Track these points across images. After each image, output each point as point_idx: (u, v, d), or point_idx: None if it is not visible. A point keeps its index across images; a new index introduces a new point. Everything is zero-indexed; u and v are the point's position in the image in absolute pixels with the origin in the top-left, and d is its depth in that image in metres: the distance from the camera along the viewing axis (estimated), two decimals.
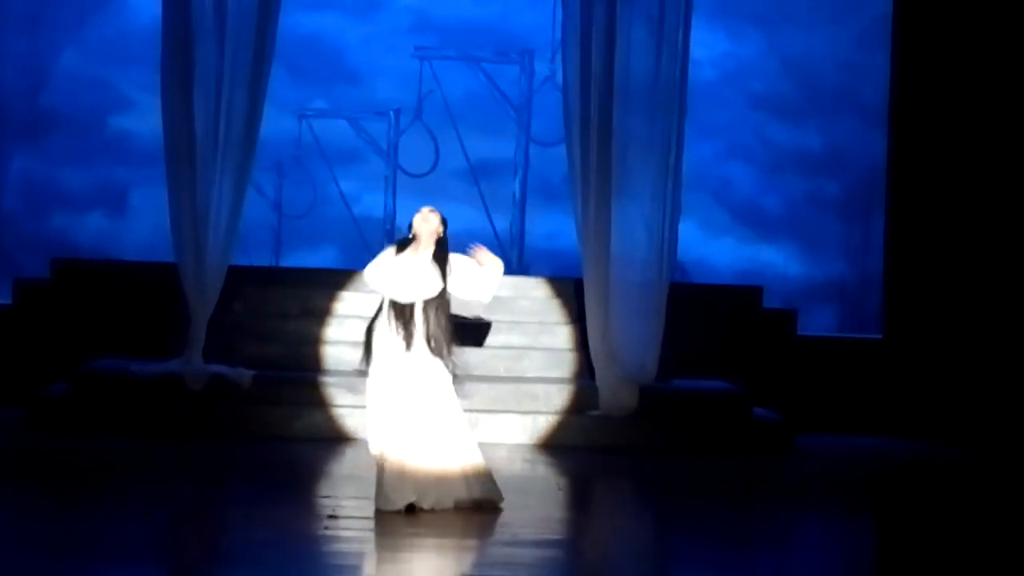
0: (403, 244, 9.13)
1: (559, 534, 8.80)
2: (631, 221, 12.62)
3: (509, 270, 13.81)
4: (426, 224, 9.09)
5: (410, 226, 9.16)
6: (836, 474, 11.57)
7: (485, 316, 11.02)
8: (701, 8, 14.27)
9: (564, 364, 12.79)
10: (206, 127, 12.13)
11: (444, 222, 9.18)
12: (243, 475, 10.46)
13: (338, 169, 14.56)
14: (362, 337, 9.26)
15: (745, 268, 14.48)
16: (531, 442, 11.91)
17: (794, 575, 8.05)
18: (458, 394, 9.19)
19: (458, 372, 9.23)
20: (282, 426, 11.86)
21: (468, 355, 12.47)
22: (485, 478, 9.14)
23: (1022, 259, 13.70)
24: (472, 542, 8.31)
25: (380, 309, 9.17)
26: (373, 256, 9.14)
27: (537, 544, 8.36)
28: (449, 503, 8.97)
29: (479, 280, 9.22)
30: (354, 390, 12.07)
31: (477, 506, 9.03)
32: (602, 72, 12.35)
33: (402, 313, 9.03)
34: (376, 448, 9.00)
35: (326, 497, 9.40)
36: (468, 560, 7.85)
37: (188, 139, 12.11)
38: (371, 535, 8.39)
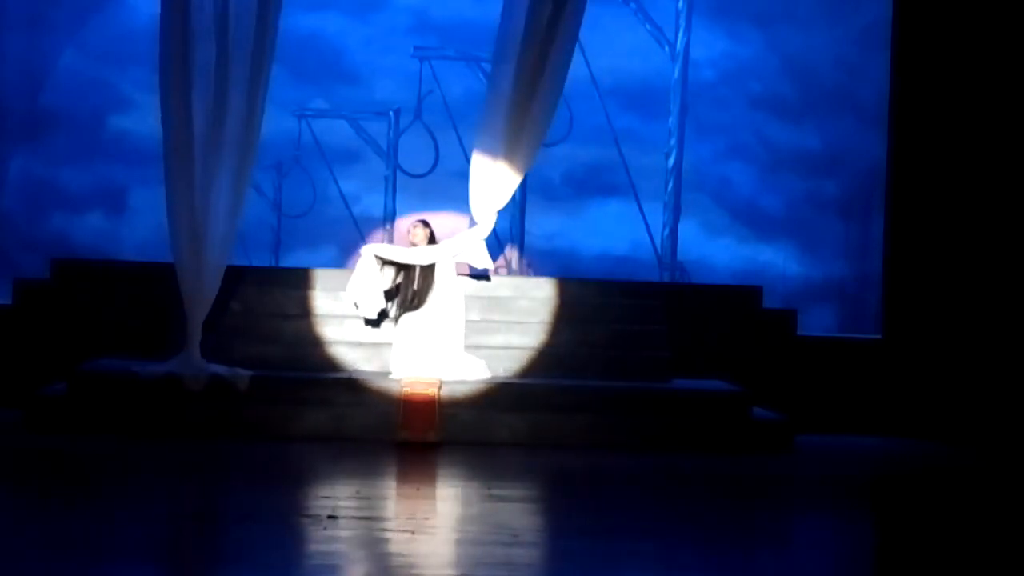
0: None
1: (558, 534, 8.79)
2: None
3: (509, 270, 13.85)
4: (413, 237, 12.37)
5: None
6: (836, 474, 11.57)
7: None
8: (701, 8, 14.28)
9: (564, 364, 12.77)
10: (205, 127, 12.10)
11: (429, 230, 12.44)
12: (242, 475, 10.46)
13: (338, 169, 14.55)
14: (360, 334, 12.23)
15: (745, 268, 14.48)
16: (531, 442, 11.90)
17: (794, 575, 8.04)
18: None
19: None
20: (281, 426, 11.86)
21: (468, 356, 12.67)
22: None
23: (1022, 259, 13.71)
24: (471, 541, 8.30)
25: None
26: None
27: (537, 544, 8.36)
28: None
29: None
30: (354, 390, 12.08)
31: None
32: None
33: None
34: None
35: (325, 497, 9.39)
36: (468, 560, 7.85)
37: (187, 139, 12.07)
38: (371, 536, 8.38)
